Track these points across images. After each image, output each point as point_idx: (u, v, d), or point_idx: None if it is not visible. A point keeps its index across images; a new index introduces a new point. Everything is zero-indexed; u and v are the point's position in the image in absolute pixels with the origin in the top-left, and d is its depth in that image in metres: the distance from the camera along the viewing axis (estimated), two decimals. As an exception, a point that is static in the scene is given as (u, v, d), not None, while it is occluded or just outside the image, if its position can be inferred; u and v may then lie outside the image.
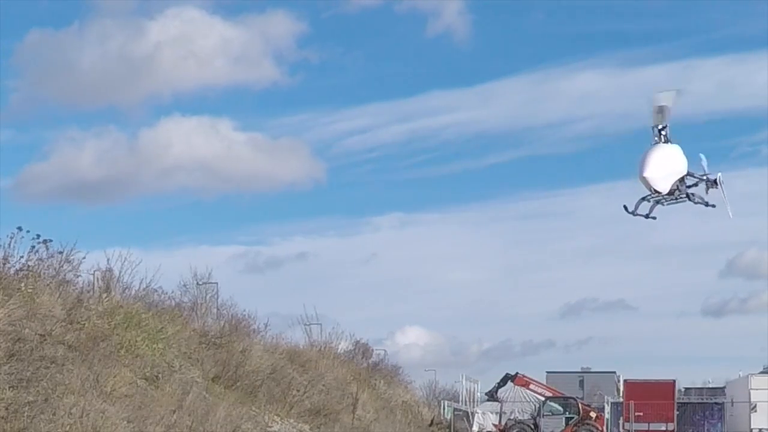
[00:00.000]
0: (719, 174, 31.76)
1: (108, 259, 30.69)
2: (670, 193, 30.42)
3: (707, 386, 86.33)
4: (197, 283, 38.61)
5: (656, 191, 29.99)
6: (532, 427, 56.43)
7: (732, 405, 66.18)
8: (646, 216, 30.79)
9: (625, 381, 69.91)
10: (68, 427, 20.79)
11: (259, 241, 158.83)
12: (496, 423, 58.35)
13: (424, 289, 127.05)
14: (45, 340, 23.03)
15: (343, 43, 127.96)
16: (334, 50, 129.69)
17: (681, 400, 67.98)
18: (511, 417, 58.35)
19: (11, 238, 25.04)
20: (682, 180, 30.76)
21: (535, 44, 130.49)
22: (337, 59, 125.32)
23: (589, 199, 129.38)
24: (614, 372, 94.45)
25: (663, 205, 30.96)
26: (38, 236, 26.08)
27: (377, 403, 48.06)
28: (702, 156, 32.02)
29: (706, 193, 31.74)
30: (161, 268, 33.23)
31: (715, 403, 68.50)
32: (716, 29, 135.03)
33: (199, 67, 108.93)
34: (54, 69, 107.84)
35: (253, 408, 32.26)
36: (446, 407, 62.43)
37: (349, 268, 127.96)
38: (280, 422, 33.17)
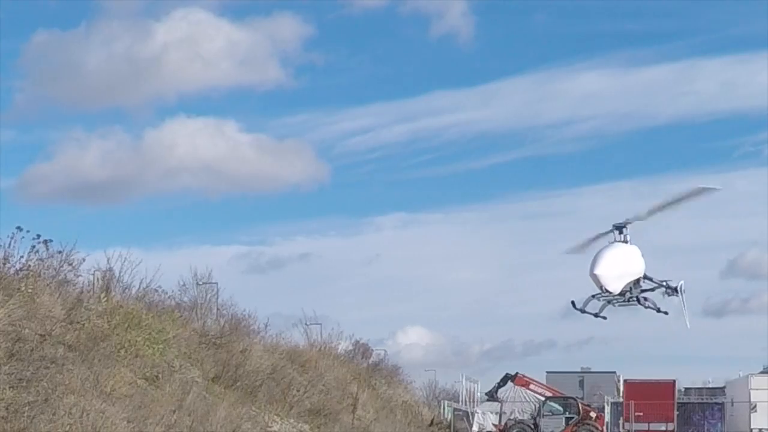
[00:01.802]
0: (681, 282, 30.44)
1: (108, 259, 30.74)
2: (622, 294, 29.03)
3: (707, 386, 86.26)
4: (197, 283, 38.67)
5: (607, 290, 28.66)
6: (532, 427, 56.43)
7: (732, 405, 66.21)
8: (596, 315, 29.52)
9: (625, 381, 69.93)
10: (68, 427, 20.79)
11: (261, 241, 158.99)
12: (496, 423, 58.35)
13: (426, 289, 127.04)
14: (45, 340, 23.02)
15: (347, 44, 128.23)
16: (340, 52, 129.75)
17: (681, 400, 67.98)
18: (511, 417, 58.36)
19: (11, 238, 25.06)
20: (636, 283, 29.34)
21: (538, 45, 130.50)
22: (343, 61, 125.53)
23: (591, 199, 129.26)
24: (614, 372, 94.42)
25: (614, 305, 29.59)
26: (38, 236, 26.12)
27: (377, 403, 48.06)
28: (682, 282, 30.36)
29: (668, 296, 30.34)
30: (162, 268, 33.32)
31: (715, 403, 68.53)
32: (719, 29, 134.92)
33: (205, 69, 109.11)
34: (60, 70, 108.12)
35: (253, 408, 32.26)
36: (446, 407, 62.45)
37: (351, 268, 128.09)
38: (280, 422, 33.18)
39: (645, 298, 29.41)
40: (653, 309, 29.82)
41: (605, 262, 27.91)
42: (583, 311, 28.80)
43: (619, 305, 29.33)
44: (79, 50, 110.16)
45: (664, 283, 30.04)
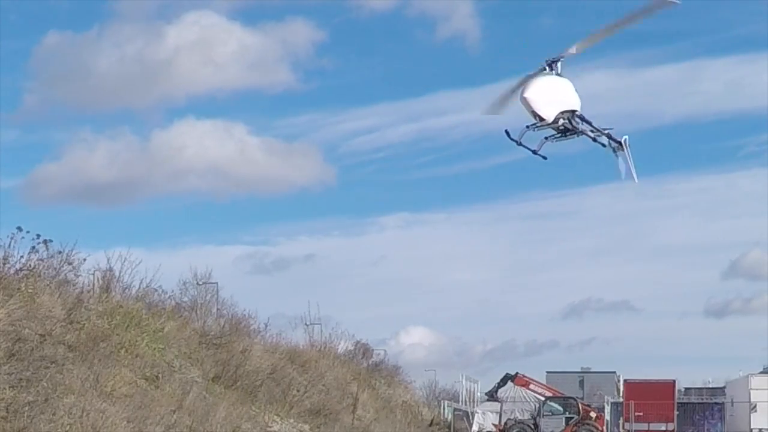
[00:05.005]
0: (625, 137, 28.76)
1: (108, 259, 30.74)
2: (560, 131, 27.39)
3: (707, 386, 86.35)
4: (197, 283, 38.65)
5: (540, 117, 27.05)
6: (532, 427, 56.50)
7: (732, 405, 66.27)
8: (534, 152, 27.65)
9: (625, 381, 70.01)
10: (68, 427, 20.80)
11: (264, 241, 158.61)
12: (496, 423, 58.40)
13: (429, 289, 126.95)
14: (45, 340, 23.03)
15: (355, 47, 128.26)
16: (347, 55, 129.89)
17: (681, 400, 68.06)
18: (511, 417, 58.41)
19: (11, 238, 25.06)
20: (572, 116, 27.70)
21: (544, 46, 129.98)
22: (350, 63, 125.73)
23: (595, 200, 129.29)
24: (614, 372, 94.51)
25: (552, 141, 27.80)
26: (38, 236, 26.14)
27: (377, 403, 48.09)
28: (626, 137, 28.78)
29: (615, 154, 28.82)
30: (164, 268, 33.41)
31: (715, 403, 68.61)
32: (725, 29, 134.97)
33: (216, 72, 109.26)
34: (70, 71, 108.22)
35: (253, 408, 32.27)
36: (446, 407, 62.51)
37: (355, 268, 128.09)
38: (280, 422, 33.18)
39: (585, 132, 27.82)
40: (590, 138, 28.12)
41: (535, 86, 26.46)
42: (519, 143, 27.39)
43: (556, 140, 27.66)
44: (91, 52, 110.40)
45: (606, 131, 28.45)
